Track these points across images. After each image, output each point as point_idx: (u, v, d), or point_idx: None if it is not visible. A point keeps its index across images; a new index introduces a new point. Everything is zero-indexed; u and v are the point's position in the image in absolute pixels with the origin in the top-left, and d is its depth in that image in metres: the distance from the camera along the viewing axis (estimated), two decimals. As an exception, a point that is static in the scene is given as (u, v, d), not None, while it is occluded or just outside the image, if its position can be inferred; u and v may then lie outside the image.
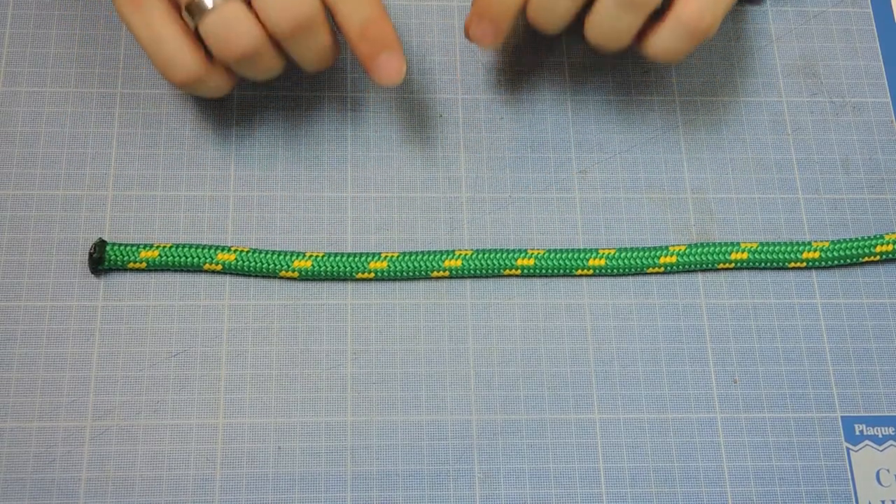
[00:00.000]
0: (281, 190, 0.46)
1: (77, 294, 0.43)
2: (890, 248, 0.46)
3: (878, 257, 0.46)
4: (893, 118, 0.50)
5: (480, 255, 0.44)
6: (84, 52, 0.48)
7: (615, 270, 0.45)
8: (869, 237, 0.46)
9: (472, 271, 0.44)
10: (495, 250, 0.45)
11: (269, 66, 0.41)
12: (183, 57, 0.39)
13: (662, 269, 0.45)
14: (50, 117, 0.46)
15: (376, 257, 0.44)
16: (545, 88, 0.49)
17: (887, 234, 0.46)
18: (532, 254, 0.45)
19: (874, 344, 0.45)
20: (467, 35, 0.42)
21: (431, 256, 0.44)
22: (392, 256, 0.44)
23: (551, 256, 0.45)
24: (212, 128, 0.47)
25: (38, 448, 0.41)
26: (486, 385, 0.44)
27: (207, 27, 0.39)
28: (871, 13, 0.52)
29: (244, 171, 0.46)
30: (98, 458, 0.41)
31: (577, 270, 0.45)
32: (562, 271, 0.45)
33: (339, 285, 0.45)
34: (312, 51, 0.41)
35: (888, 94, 0.50)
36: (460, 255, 0.44)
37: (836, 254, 0.46)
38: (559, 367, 0.44)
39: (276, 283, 0.44)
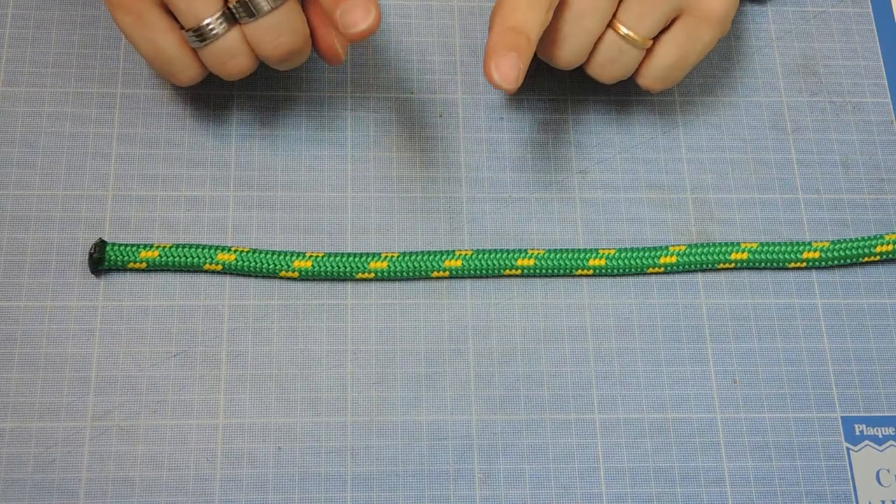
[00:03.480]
0: (281, 190, 0.46)
1: (77, 294, 0.43)
2: (890, 248, 0.46)
3: (878, 257, 0.46)
4: (893, 118, 0.50)
5: (480, 256, 0.44)
6: (84, 52, 0.48)
7: (615, 270, 0.45)
8: (869, 237, 0.46)
9: (472, 271, 0.44)
10: (495, 250, 0.45)
11: (248, 70, 0.43)
12: (183, 67, 0.42)
13: (662, 270, 0.45)
14: (50, 117, 0.46)
15: (376, 257, 0.44)
16: (545, 88, 0.49)
17: (887, 234, 0.46)
18: (532, 254, 0.45)
19: (874, 344, 0.45)
20: (488, 78, 0.40)
21: (431, 256, 0.44)
22: (392, 256, 0.44)
23: (551, 256, 0.45)
24: (212, 128, 0.47)
25: (38, 448, 0.41)
26: (487, 385, 0.44)
27: (206, 55, 0.41)
28: (871, 13, 0.52)
29: (244, 172, 0.46)
30: (98, 459, 0.41)
31: (577, 270, 0.45)
32: (562, 271, 0.45)
33: (339, 285, 0.45)
34: (293, 63, 0.43)
35: (888, 94, 0.50)
36: (460, 255, 0.44)
37: (836, 254, 0.46)
38: (559, 367, 0.44)
39: (276, 283, 0.44)
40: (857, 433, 0.44)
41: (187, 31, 0.41)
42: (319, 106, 0.48)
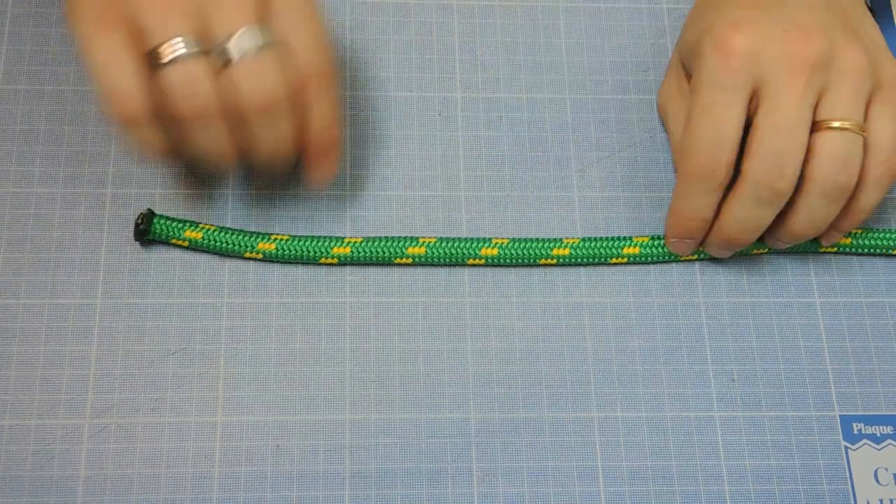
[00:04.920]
0: (280, 188, 0.46)
1: (76, 292, 0.43)
2: None
3: None
4: (893, 118, 0.50)
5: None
6: (83, 50, 0.48)
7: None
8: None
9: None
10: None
11: (219, 142, 0.39)
12: (130, 88, 0.37)
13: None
14: (49, 115, 0.46)
15: (414, 242, 0.44)
16: (544, 87, 0.49)
17: None
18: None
19: (872, 343, 0.45)
20: (668, 245, 0.45)
21: (468, 243, 0.44)
22: (430, 242, 0.44)
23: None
24: (211, 126, 0.47)
25: (36, 445, 0.41)
26: (485, 383, 0.44)
27: (169, 74, 0.37)
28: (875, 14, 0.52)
29: (243, 171, 0.46)
30: (96, 456, 0.41)
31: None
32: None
33: (339, 285, 0.45)
34: (270, 140, 0.40)
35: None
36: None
37: (866, 241, 0.46)
38: (557, 365, 0.44)
39: (274, 283, 0.44)
40: (856, 432, 0.44)
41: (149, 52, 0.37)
42: (318, 104, 0.48)
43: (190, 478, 0.41)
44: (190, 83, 0.37)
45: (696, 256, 0.46)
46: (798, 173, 0.41)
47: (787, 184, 0.40)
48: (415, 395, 0.43)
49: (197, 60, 0.37)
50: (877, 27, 0.44)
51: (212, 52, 0.37)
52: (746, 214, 0.42)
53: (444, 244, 0.44)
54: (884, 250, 0.46)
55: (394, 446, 0.42)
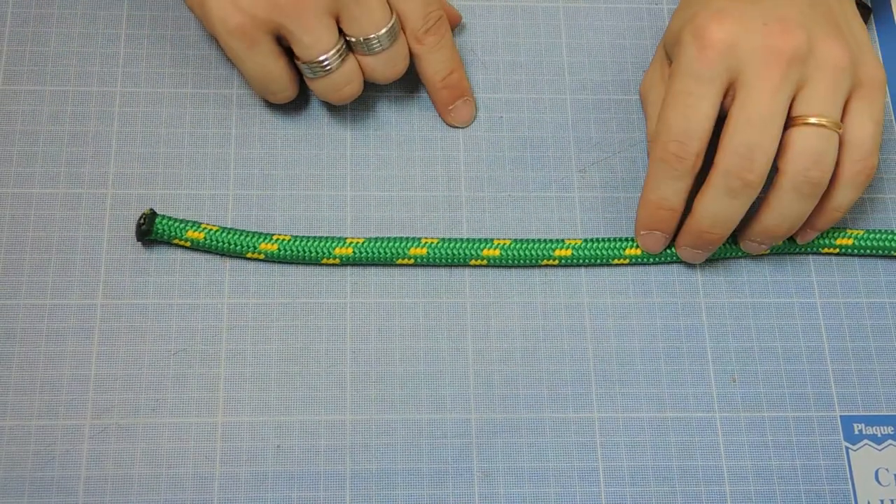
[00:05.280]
0: (280, 189, 0.46)
1: (76, 292, 0.43)
2: None
3: None
4: (893, 118, 0.50)
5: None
6: (83, 50, 0.48)
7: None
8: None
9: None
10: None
11: (357, 96, 0.46)
12: (284, 89, 0.45)
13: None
14: (50, 116, 0.46)
15: (416, 243, 0.44)
16: (545, 88, 0.49)
17: None
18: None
19: (873, 343, 0.45)
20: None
21: (470, 244, 0.44)
22: (432, 243, 0.44)
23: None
24: (211, 127, 0.47)
25: (37, 446, 0.41)
26: (486, 383, 0.44)
27: (321, 84, 0.44)
28: (871, 13, 0.52)
29: (243, 170, 0.46)
30: (97, 456, 0.41)
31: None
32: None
33: (340, 285, 0.45)
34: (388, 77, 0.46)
35: (888, 94, 0.50)
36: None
37: (869, 243, 0.46)
38: (558, 365, 0.44)
39: (276, 283, 0.44)
40: (857, 432, 0.44)
41: (304, 63, 0.43)
42: (319, 105, 0.48)
43: (191, 478, 0.41)
44: (343, 87, 0.44)
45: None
46: (769, 166, 0.41)
47: (756, 176, 0.40)
48: (416, 395, 0.43)
49: (344, 64, 0.43)
50: (863, 26, 0.44)
51: (356, 44, 0.43)
52: (717, 206, 0.42)
53: (446, 245, 0.44)
54: (885, 251, 0.46)
55: (395, 446, 0.42)
